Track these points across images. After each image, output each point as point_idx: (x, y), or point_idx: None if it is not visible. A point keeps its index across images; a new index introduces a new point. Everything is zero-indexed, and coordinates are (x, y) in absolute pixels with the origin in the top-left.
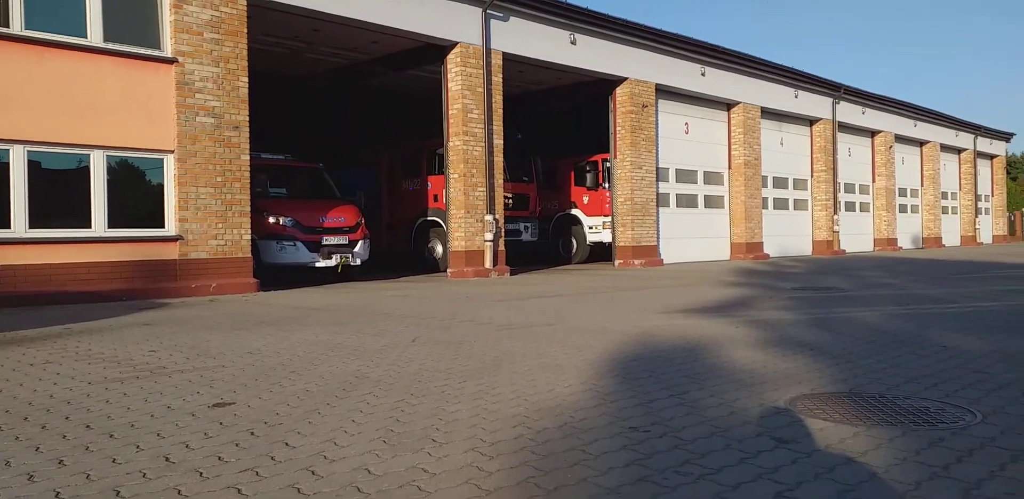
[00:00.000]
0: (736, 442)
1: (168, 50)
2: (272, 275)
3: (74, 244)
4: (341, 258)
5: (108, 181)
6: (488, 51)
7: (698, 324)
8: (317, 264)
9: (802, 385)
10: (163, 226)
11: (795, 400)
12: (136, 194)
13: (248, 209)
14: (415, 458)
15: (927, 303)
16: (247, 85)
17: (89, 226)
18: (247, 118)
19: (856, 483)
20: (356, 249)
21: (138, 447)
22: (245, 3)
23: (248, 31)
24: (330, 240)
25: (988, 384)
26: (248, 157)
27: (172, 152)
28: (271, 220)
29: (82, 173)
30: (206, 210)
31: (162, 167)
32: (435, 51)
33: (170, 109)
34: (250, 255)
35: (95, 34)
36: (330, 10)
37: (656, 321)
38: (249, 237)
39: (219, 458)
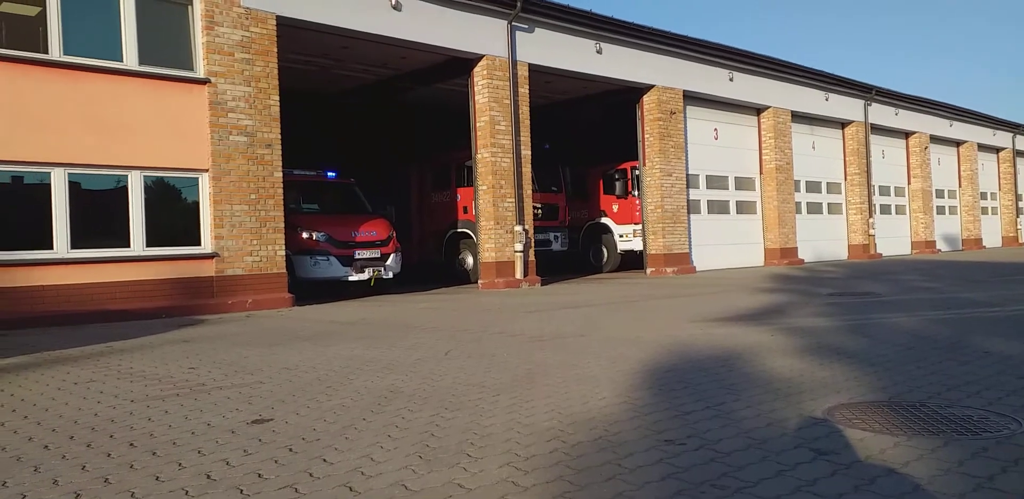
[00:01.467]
0: (774, 454)
1: (201, 71)
2: (307, 290)
3: (114, 263)
4: (374, 272)
5: (145, 200)
6: (514, 63)
7: (733, 332)
8: (350, 278)
9: (840, 394)
10: (199, 244)
11: (833, 410)
12: (173, 213)
13: (282, 225)
14: (451, 473)
15: (968, 307)
16: (278, 103)
17: (128, 245)
18: (279, 136)
19: (898, 495)
20: (388, 262)
21: (180, 465)
22: (275, 23)
23: (278, 50)
24: (362, 254)
25: None
26: (281, 174)
27: (207, 171)
28: (304, 235)
29: (120, 193)
30: (241, 227)
31: (197, 186)
32: (462, 64)
33: (204, 129)
34: (285, 270)
35: (130, 58)
36: (358, 27)
37: (690, 330)
38: (284, 253)
39: (259, 475)
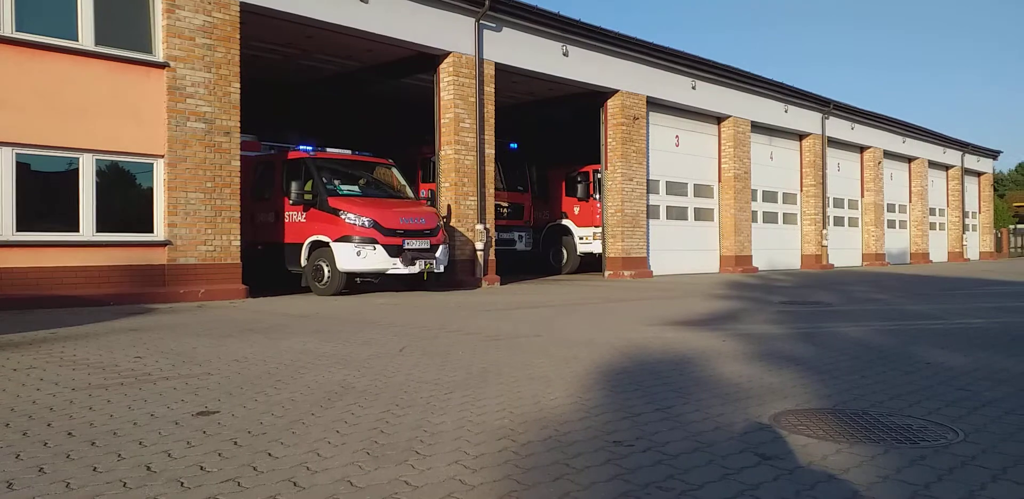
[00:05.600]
0: (720, 458)
1: (160, 55)
2: (349, 285)
3: (61, 248)
4: (426, 264)
5: (97, 185)
6: (481, 61)
7: (686, 337)
8: (397, 271)
9: (787, 400)
10: (152, 231)
11: (780, 416)
12: (125, 198)
13: (238, 215)
14: (398, 470)
15: (913, 319)
16: (239, 91)
17: (77, 230)
18: (239, 124)
19: None
20: (437, 254)
21: (120, 456)
22: (238, 9)
23: (241, 37)
24: (412, 244)
25: (971, 402)
26: (238, 163)
27: (162, 157)
28: (348, 221)
29: (71, 176)
30: (195, 215)
31: (152, 172)
32: (428, 60)
33: (161, 114)
34: (239, 261)
35: (86, 37)
36: (323, 17)
37: (645, 333)
38: (238, 243)
39: (201, 468)
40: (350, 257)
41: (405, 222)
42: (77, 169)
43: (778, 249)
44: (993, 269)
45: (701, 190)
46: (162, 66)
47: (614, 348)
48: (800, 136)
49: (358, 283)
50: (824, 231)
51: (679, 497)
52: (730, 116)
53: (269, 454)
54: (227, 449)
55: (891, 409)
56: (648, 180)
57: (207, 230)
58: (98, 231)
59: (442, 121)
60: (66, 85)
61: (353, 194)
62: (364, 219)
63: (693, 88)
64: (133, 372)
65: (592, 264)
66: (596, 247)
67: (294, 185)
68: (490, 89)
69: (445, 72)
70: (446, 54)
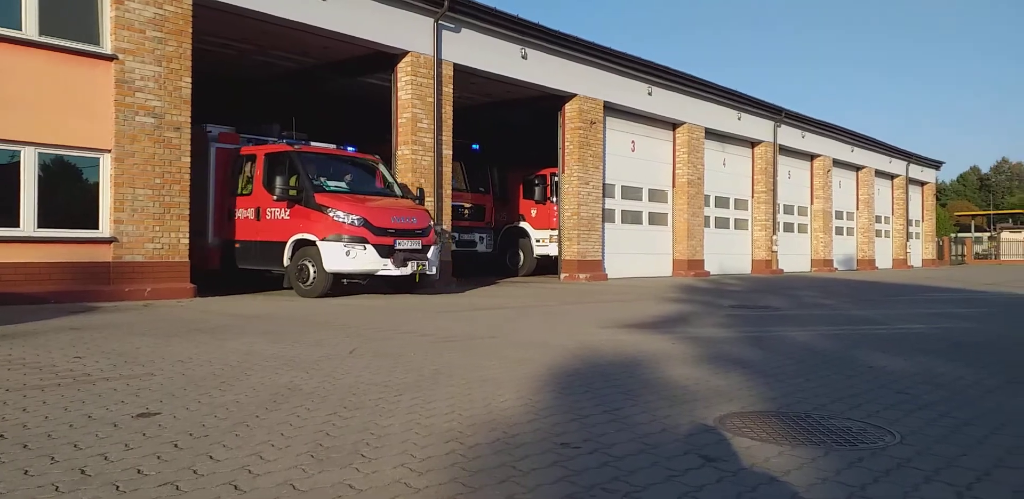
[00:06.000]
0: (664, 459)
1: (108, 47)
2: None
3: (1, 243)
4: (418, 266)
5: (40, 179)
6: (439, 61)
7: (638, 340)
8: (388, 272)
9: (732, 403)
10: (97, 227)
11: (725, 418)
12: (69, 193)
13: (187, 212)
14: (342, 474)
15: (857, 324)
16: (190, 86)
17: (17, 225)
18: (189, 119)
19: None
20: (429, 255)
21: (53, 459)
22: (190, 2)
23: (193, 31)
24: (403, 244)
25: (909, 405)
26: (188, 159)
27: (109, 151)
28: (337, 218)
29: (11, 170)
30: (143, 212)
31: (98, 166)
32: (386, 59)
33: (108, 107)
34: (187, 259)
35: (30, 27)
36: (279, 13)
37: (597, 336)
38: (187, 241)
39: (138, 471)
40: (338, 257)
41: (396, 221)
42: (19, 162)
43: (730, 254)
44: (935, 276)
45: (656, 195)
46: (110, 58)
47: (567, 350)
48: (752, 143)
49: (344, 284)
50: (774, 237)
51: None
52: (685, 122)
53: (210, 457)
54: (167, 452)
55: (833, 412)
56: (604, 184)
57: (155, 227)
58: (40, 226)
59: (399, 121)
60: (7, 76)
61: (341, 191)
62: (354, 217)
63: (649, 94)
64: (71, 372)
65: (548, 267)
66: (552, 250)
67: (278, 180)
68: (448, 90)
69: (403, 71)
70: (404, 53)
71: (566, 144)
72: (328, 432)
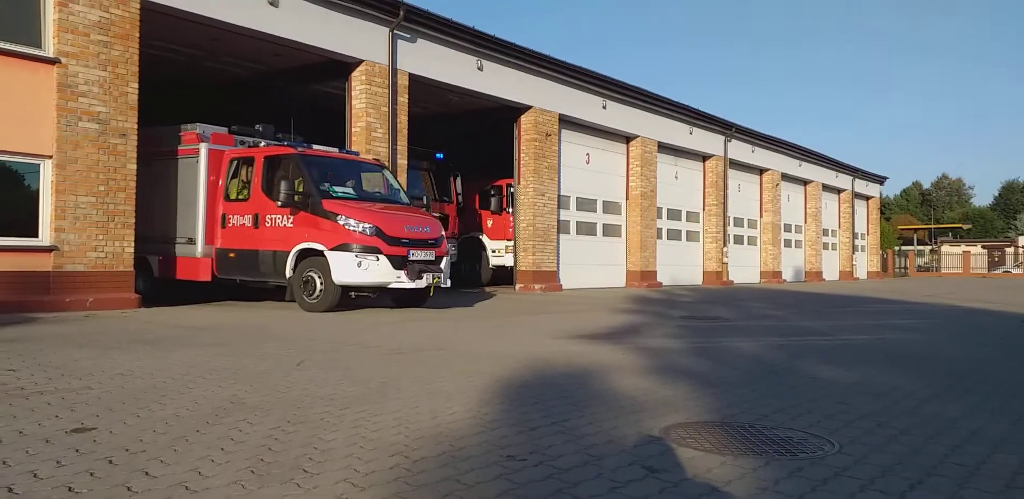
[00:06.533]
0: (609, 471)
1: (50, 50)
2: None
3: None
4: (433, 278)
5: None
6: (394, 71)
7: (589, 350)
8: (401, 285)
9: (678, 413)
10: (36, 235)
11: (670, 429)
12: (7, 200)
13: (132, 221)
14: (282, 489)
15: (803, 335)
16: (137, 91)
17: None
18: (136, 126)
19: None
20: (442, 266)
21: None
22: (138, 6)
23: (141, 36)
24: (417, 255)
25: (848, 415)
26: (134, 166)
27: (50, 157)
28: (347, 227)
29: None
30: (86, 220)
31: (39, 173)
32: (340, 67)
33: (50, 112)
34: (132, 269)
35: None
36: (230, 20)
37: (549, 347)
38: (132, 250)
39: (69, 489)
40: (349, 268)
41: (410, 230)
42: None
43: (681, 265)
44: (879, 288)
45: (610, 207)
46: (52, 62)
47: (518, 361)
48: (704, 157)
49: (352, 297)
50: (725, 249)
51: None
52: (638, 136)
53: (146, 473)
54: (101, 468)
55: (775, 422)
56: (559, 195)
57: (98, 236)
58: None
59: (353, 130)
60: None
61: (348, 197)
62: (365, 226)
63: (604, 107)
64: (4, 386)
65: (504, 277)
66: (508, 260)
67: (283, 184)
68: (404, 99)
69: (357, 80)
70: (359, 62)
71: (522, 155)
72: (270, 447)
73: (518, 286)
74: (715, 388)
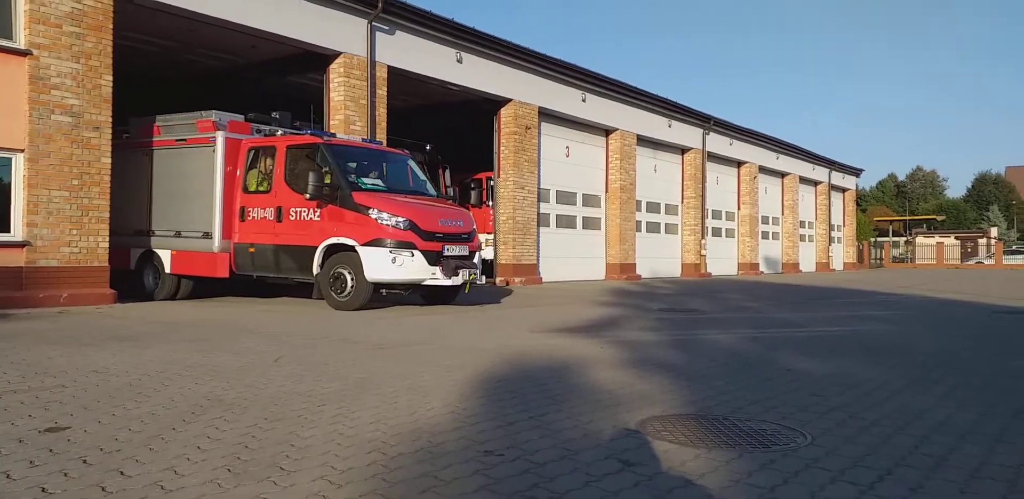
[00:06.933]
0: (585, 465)
1: (21, 41)
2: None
3: None
4: (470, 274)
5: None
6: (373, 63)
7: (568, 344)
8: (436, 282)
9: (655, 407)
10: (8, 230)
11: (646, 422)
12: None
13: (107, 215)
14: (259, 488)
15: (779, 327)
16: (111, 84)
17: None
18: (110, 119)
19: None
20: (475, 261)
21: None
22: None
23: (114, 27)
24: (451, 250)
25: (821, 407)
26: (109, 160)
27: (22, 151)
28: (381, 221)
29: None
30: (59, 215)
31: (11, 166)
32: (318, 59)
33: (22, 105)
34: (107, 264)
35: None
36: (205, 11)
37: (529, 340)
38: (107, 245)
39: (43, 490)
40: (383, 265)
41: (443, 224)
42: None
43: (660, 257)
44: (854, 279)
45: (589, 200)
46: (24, 54)
47: (499, 355)
48: (682, 150)
49: (383, 295)
50: (703, 241)
51: None
52: (617, 129)
53: (121, 473)
54: (75, 468)
55: (750, 414)
56: (539, 189)
57: (72, 231)
58: None
59: (331, 122)
60: None
61: (378, 189)
62: (400, 220)
63: (583, 101)
64: None
65: (484, 270)
66: (488, 254)
67: (311, 176)
68: (382, 92)
69: (336, 72)
70: (337, 54)
71: (502, 148)
72: (247, 444)
73: (498, 279)
74: (691, 381)
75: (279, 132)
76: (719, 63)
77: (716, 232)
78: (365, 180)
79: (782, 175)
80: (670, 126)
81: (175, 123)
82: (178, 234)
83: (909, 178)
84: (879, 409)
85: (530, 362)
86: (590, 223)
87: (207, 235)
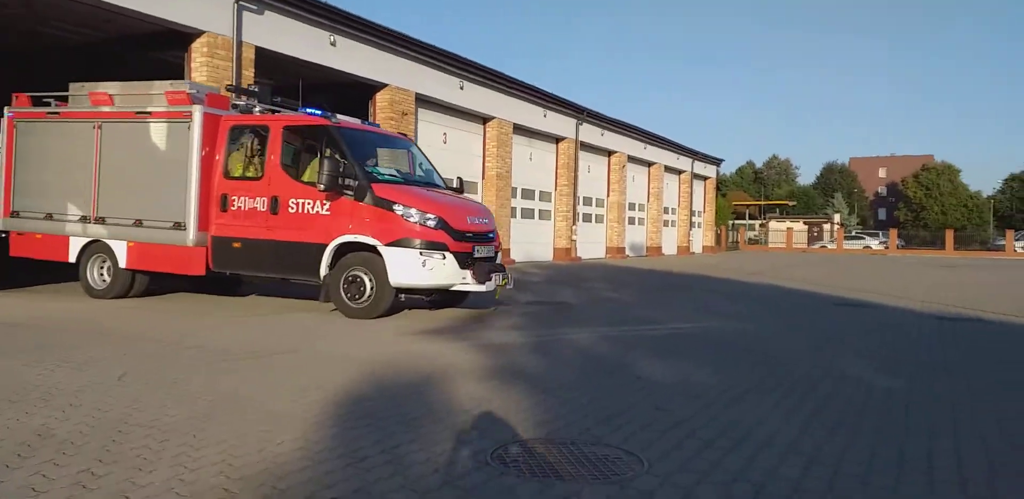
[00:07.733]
0: None
1: None
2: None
3: None
4: (503, 279)
5: None
6: (239, 43)
7: (431, 351)
8: (467, 288)
9: (507, 430)
10: None
11: (498, 451)
12: None
13: None
14: None
15: (636, 324)
16: None
17: None
18: None
19: None
20: (498, 262)
21: None
22: None
23: None
24: (481, 252)
25: (663, 423)
26: None
27: None
28: (408, 218)
29: None
30: None
31: None
32: (180, 37)
33: None
34: None
35: None
36: None
37: (393, 346)
38: None
39: None
40: (412, 268)
41: (472, 222)
42: None
43: (534, 243)
44: (711, 264)
45: (466, 187)
46: None
47: (360, 367)
48: (557, 139)
49: (402, 300)
50: (574, 227)
51: None
52: (495, 117)
53: None
54: None
55: (596, 437)
56: None
57: None
58: None
59: None
60: None
61: (395, 181)
62: (431, 217)
63: (461, 88)
64: None
65: None
66: None
67: (328, 165)
68: (249, 72)
69: (198, 52)
70: (200, 33)
71: None
72: (75, 496)
73: None
74: (547, 395)
75: (256, 108)
76: (597, 55)
77: (587, 218)
78: (381, 170)
79: (649, 164)
80: (545, 116)
81: (136, 92)
82: (138, 223)
83: (766, 165)
84: (717, 424)
85: (394, 376)
86: None
87: (179, 226)
